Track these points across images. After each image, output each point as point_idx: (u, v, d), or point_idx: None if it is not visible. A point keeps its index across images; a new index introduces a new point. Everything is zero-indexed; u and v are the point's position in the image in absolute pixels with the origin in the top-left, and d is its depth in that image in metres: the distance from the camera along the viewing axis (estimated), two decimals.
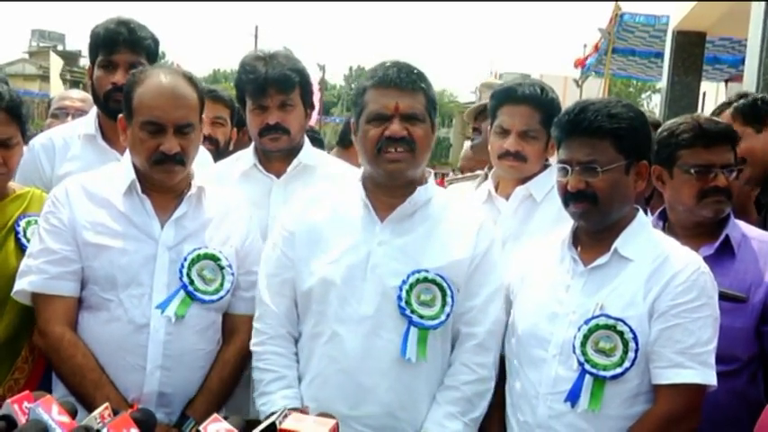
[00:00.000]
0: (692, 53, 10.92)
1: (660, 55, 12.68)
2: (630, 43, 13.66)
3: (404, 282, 2.27)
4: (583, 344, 2.17)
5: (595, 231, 2.29)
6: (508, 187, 2.88)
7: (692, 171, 2.57)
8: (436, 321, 2.27)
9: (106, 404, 1.82)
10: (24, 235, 2.57)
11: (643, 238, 2.28)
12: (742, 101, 3.09)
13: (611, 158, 2.21)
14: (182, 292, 2.41)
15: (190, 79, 2.49)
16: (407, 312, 2.26)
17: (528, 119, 2.78)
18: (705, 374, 2.13)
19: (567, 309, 2.25)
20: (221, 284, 2.47)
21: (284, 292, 2.41)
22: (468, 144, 4.22)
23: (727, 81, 15.09)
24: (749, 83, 6.10)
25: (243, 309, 2.55)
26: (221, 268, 2.47)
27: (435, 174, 2.57)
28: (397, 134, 2.28)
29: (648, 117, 2.61)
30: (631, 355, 2.14)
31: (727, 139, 2.62)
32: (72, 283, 2.40)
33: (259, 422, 1.84)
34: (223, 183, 2.81)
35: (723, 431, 2.39)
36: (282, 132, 2.87)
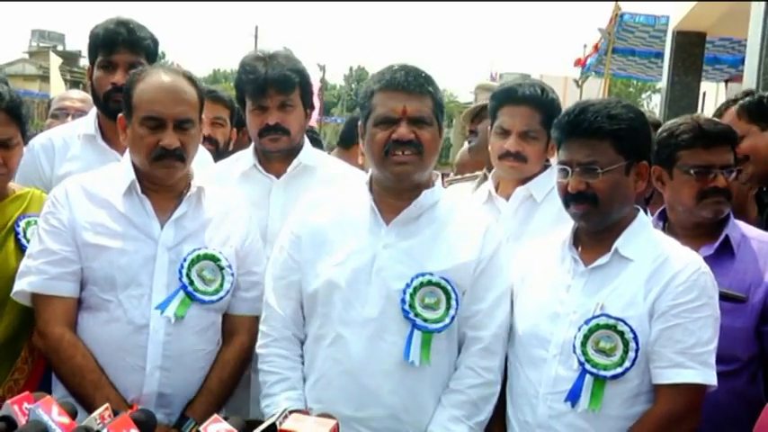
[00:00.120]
0: (691, 53, 10.93)
1: (660, 55, 12.69)
2: (630, 43, 13.67)
3: (408, 285, 2.26)
4: (583, 344, 2.17)
5: (596, 232, 2.29)
6: (508, 188, 2.88)
7: (692, 172, 2.57)
8: (440, 325, 2.27)
9: (106, 405, 1.82)
10: (24, 235, 2.57)
11: (643, 238, 2.28)
12: (748, 98, 3.08)
13: (611, 159, 2.21)
14: (181, 293, 2.41)
15: (190, 78, 2.50)
16: (411, 315, 2.25)
17: (528, 119, 2.78)
18: (705, 374, 2.13)
19: (568, 309, 2.25)
20: (221, 285, 2.47)
21: (290, 295, 2.41)
22: (465, 146, 4.21)
23: (727, 81, 15.10)
24: (749, 83, 6.10)
25: (243, 309, 2.55)
26: (221, 269, 2.47)
27: (440, 175, 2.57)
28: (405, 137, 2.28)
29: (649, 117, 2.61)
30: (632, 354, 2.14)
31: (727, 139, 2.62)
32: (71, 284, 2.40)
33: (259, 422, 1.84)
34: (223, 183, 2.81)
35: (723, 431, 2.39)
36: (282, 133, 2.87)
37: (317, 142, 3.89)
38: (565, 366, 2.21)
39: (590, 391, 2.17)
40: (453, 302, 2.28)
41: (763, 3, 6.11)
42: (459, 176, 4.03)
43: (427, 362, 2.27)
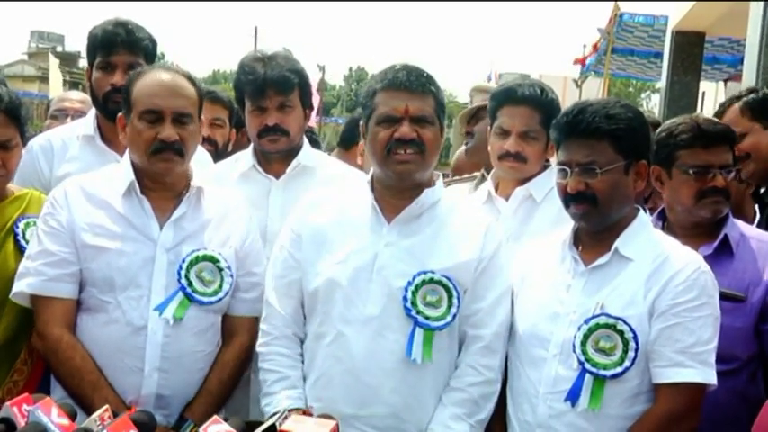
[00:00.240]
0: (691, 53, 10.93)
1: (659, 55, 12.69)
2: (630, 43, 13.66)
3: (410, 282, 2.27)
4: (583, 343, 2.17)
5: (596, 231, 2.30)
6: (508, 188, 2.88)
7: (691, 171, 2.57)
8: (442, 322, 2.28)
9: (106, 406, 1.82)
10: (23, 236, 2.57)
11: (643, 237, 2.28)
12: (752, 96, 3.07)
13: (609, 159, 2.21)
14: (180, 294, 2.41)
15: (189, 78, 2.51)
16: (413, 313, 2.26)
17: (528, 120, 2.78)
18: (705, 374, 2.14)
19: (568, 308, 2.25)
20: (220, 286, 2.46)
21: (291, 294, 2.42)
22: (462, 148, 4.21)
23: (726, 81, 15.11)
24: (748, 82, 6.10)
25: (242, 310, 2.55)
26: (220, 270, 2.47)
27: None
28: (407, 136, 2.28)
29: (648, 117, 2.61)
30: (631, 354, 2.14)
31: (726, 139, 2.62)
32: (70, 285, 2.40)
33: (259, 423, 1.84)
34: (222, 184, 2.81)
35: (723, 430, 2.39)
36: (281, 134, 2.87)
37: (315, 143, 3.89)
38: (565, 366, 2.21)
39: (590, 391, 2.17)
40: (455, 300, 2.28)
41: (762, 2, 6.11)
42: (456, 177, 4.03)
43: (429, 360, 2.27)
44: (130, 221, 2.44)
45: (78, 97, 4.34)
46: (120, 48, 2.95)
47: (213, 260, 2.46)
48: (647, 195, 3.22)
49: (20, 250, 2.53)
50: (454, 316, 2.29)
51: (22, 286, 2.39)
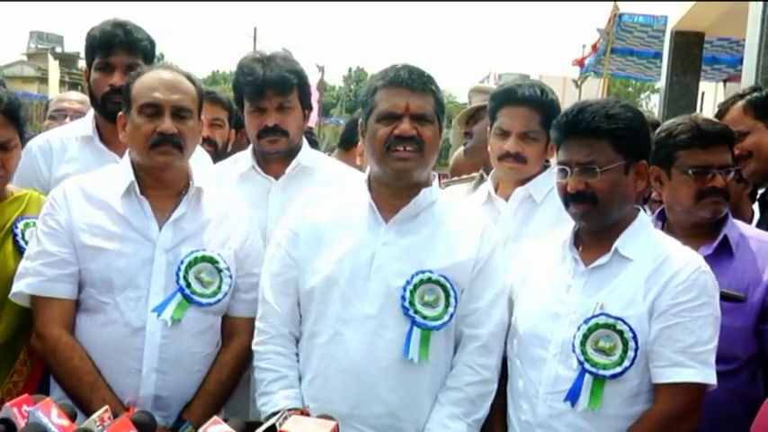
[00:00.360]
0: (690, 53, 10.94)
1: (659, 55, 12.69)
2: (629, 43, 13.66)
3: (408, 282, 2.28)
4: (582, 343, 2.17)
5: (596, 231, 2.30)
6: (508, 188, 2.88)
7: (690, 172, 2.57)
8: (439, 322, 2.28)
9: (106, 407, 1.82)
10: (22, 237, 2.57)
11: (644, 237, 2.28)
12: (755, 94, 3.06)
13: (609, 159, 2.21)
14: (178, 296, 2.40)
15: (189, 77, 2.53)
16: (411, 313, 2.26)
17: (528, 120, 2.78)
18: (705, 374, 2.14)
19: (568, 308, 2.25)
20: (219, 287, 2.46)
21: (287, 292, 2.41)
22: (460, 149, 4.21)
23: (725, 81, 15.12)
24: (747, 83, 6.10)
25: (242, 311, 2.54)
26: (219, 271, 2.46)
27: (438, 175, 2.58)
28: (407, 133, 2.29)
29: (647, 117, 2.61)
30: (631, 354, 2.14)
31: (725, 139, 2.62)
32: (69, 286, 2.40)
33: (259, 424, 1.84)
34: (221, 184, 2.81)
35: (723, 430, 2.39)
36: (281, 134, 2.87)
37: (313, 143, 3.89)
38: (565, 366, 2.21)
39: (589, 391, 2.17)
40: (452, 300, 2.29)
41: (762, 3, 6.12)
42: (455, 178, 4.03)
43: (426, 359, 2.28)
44: (130, 222, 2.43)
45: (77, 98, 4.34)
46: (119, 48, 2.95)
47: (212, 261, 2.46)
48: (646, 196, 3.22)
49: (19, 251, 2.53)
50: (451, 316, 2.29)
51: (21, 286, 2.39)
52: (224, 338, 2.54)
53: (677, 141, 2.60)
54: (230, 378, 2.49)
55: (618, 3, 12.48)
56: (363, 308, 2.30)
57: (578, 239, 2.35)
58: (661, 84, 11.67)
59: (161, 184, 2.49)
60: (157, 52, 3.22)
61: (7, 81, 4.95)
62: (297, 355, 2.41)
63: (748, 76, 6.21)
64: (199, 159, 2.79)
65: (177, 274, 2.40)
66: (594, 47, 14.72)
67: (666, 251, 2.24)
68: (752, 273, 2.53)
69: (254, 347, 2.43)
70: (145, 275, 2.40)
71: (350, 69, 69.86)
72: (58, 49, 51.25)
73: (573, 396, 2.18)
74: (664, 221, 2.74)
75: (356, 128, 2.59)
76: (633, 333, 2.15)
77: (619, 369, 2.15)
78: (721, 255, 2.55)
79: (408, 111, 2.30)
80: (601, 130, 2.20)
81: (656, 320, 2.17)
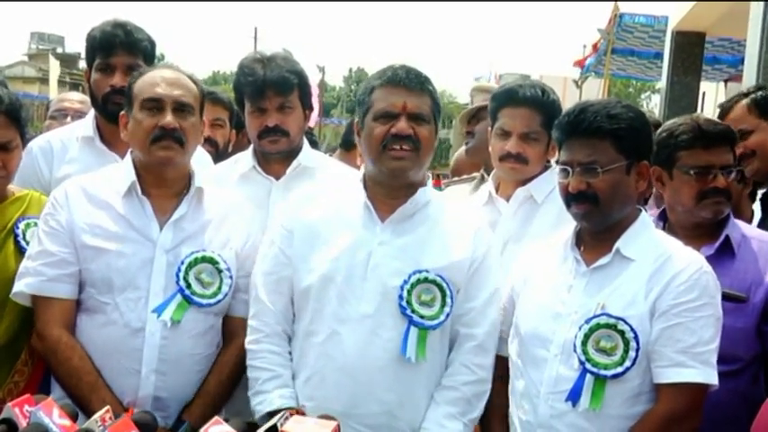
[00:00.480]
0: (691, 53, 10.93)
1: (659, 55, 12.68)
2: (630, 44, 13.66)
3: (405, 281, 2.28)
4: (584, 343, 2.17)
5: (598, 232, 2.30)
6: (509, 189, 2.87)
7: (692, 172, 2.56)
8: (436, 322, 2.29)
9: (107, 407, 1.82)
10: (23, 237, 2.57)
11: (645, 238, 2.28)
12: (760, 93, 3.05)
13: (611, 159, 2.21)
14: (178, 296, 2.40)
15: (190, 77, 2.53)
16: (408, 312, 2.27)
17: (529, 121, 2.78)
18: (706, 374, 2.13)
19: (570, 309, 2.25)
20: (219, 288, 2.45)
21: (281, 290, 2.41)
22: (462, 149, 4.20)
23: (726, 81, 15.10)
24: (748, 83, 6.10)
25: (243, 312, 2.53)
26: (219, 271, 2.46)
27: (438, 175, 2.58)
28: (404, 132, 2.30)
29: (648, 117, 2.60)
30: (632, 354, 2.14)
31: (727, 139, 2.62)
32: (69, 286, 2.40)
33: (260, 425, 1.84)
34: (222, 185, 2.81)
35: (724, 431, 2.38)
36: (281, 134, 2.87)
37: (314, 144, 3.89)
38: (566, 366, 2.21)
39: (591, 391, 2.17)
40: (448, 300, 2.30)
41: (762, 3, 6.11)
42: (455, 179, 4.03)
43: (423, 358, 2.29)
44: (130, 222, 2.43)
45: (78, 97, 4.34)
46: (119, 49, 2.95)
47: (212, 262, 2.45)
48: (647, 196, 3.21)
49: (20, 251, 2.53)
50: (447, 315, 2.31)
51: (22, 286, 2.39)
52: (224, 339, 2.54)
53: (679, 142, 2.59)
54: (230, 379, 2.49)
55: (618, 3, 12.49)
56: (360, 307, 2.30)
57: (580, 240, 2.35)
58: (662, 84, 11.66)
59: (162, 183, 2.49)
60: (158, 53, 3.22)
61: (8, 82, 4.95)
62: (290, 353, 2.41)
63: (749, 77, 6.21)
64: (199, 160, 2.79)
65: (177, 275, 2.40)
66: (595, 47, 14.72)
67: (668, 251, 2.24)
68: (754, 273, 2.52)
69: (247, 346, 2.42)
70: (145, 276, 2.40)
71: (350, 70, 69.94)
72: (59, 50, 51.30)
73: (574, 396, 2.18)
74: (665, 222, 2.74)
75: None
76: (634, 333, 2.14)
77: (620, 369, 2.15)
78: (723, 255, 2.55)
79: (405, 110, 2.31)
80: (603, 130, 2.20)
81: (657, 320, 2.16)
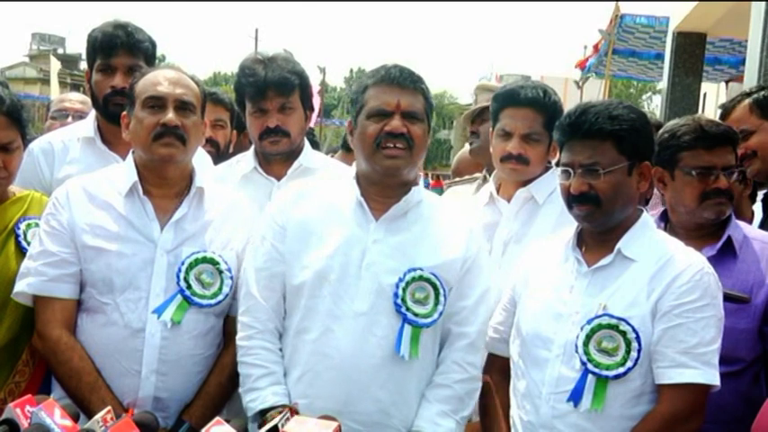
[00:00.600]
0: (692, 54, 10.93)
1: (661, 56, 12.69)
2: (631, 44, 13.66)
3: (401, 279, 2.29)
4: (585, 343, 2.17)
5: (599, 232, 2.30)
6: (510, 189, 2.88)
7: (694, 173, 2.56)
8: (429, 320, 2.30)
9: (108, 408, 1.82)
10: (24, 238, 2.56)
11: (647, 238, 2.28)
12: (762, 93, 3.04)
13: (612, 160, 2.21)
14: (179, 297, 2.40)
15: (191, 77, 2.54)
16: (402, 310, 2.27)
17: (530, 122, 2.78)
18: (708, 374, 2.13)
19: (571, 309, 2.25)
20: (220, 288, 2.45)
21: (273, 287, 2.40)
22: (466, 148, 4.19)
23: (727, 82, 15.08)
24: (749, 83, 6.10)
25: None
26: (220, 272, 2.46)
27: (438, 176, 2.58)
28: (398, 130, 2.30)
29: (650, 118, 2.60)
30: (634, 354, 2.14)
31: (728, 140, 2.62)
32: (70, 286, 2.40)
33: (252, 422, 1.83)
34: (223, 185, 2.81)
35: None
36: (282, 135, 2.87)
37: (314, 144, 3.89)
38: (568, 366, 2.21)
39: (592, 391, 2.17)
40: (441, 298, 2.31)
41: (764, 3, 6.11)
42: (457, 179, 4.02)
43: (416, 356, 2.29)
44: (131, 222, 2.43)
45: (78, 98, 4.35)
46: (120, 50, 2.95)
47: (213, 262, 2.45)
48: (648, 197, 3.21)
49: (21, 251, 2.52)
50: (440, 314, 2.32)
51: (23, 286, 2.39)
52: (225, 339, 2.54)
53: (680, 142, 2.59)
54: (231, 379, 2.47)
55: (620, 4, 12.49)
56: (354, 305, 2.30)
57: (581, 240, 2.35)
58: (663, 85, 11.65)
59: (164, 183, 2.49)
60: (159, 53, 3.22)
61: (9, 82, 4.96)
62: (281, 350, 2.40)
63: (750, 77, 6.21)
64: (200, 160, 2.79)
65: (178, 276, 2.40)
66: (596, 48, 14.72)
67: (669, 252, 2.24)
68: (755, 274, 2.52)
69: (238, 342, 2.40)
70: (145, 276, 2.40)
71: (351, 70, 69.88)
72: (60, 51, 51.32)
73: (576, 396, 2.18)
74: (666, 222, 2.74)
75: None
76: (636, 334, 2.14)
77: (622, 370, 2.15)
78: (725, 256, 2.55)
79: (399, 108, 2.32)
80: (604, 131, 2.20)
81: (659, 321, 2.16)
